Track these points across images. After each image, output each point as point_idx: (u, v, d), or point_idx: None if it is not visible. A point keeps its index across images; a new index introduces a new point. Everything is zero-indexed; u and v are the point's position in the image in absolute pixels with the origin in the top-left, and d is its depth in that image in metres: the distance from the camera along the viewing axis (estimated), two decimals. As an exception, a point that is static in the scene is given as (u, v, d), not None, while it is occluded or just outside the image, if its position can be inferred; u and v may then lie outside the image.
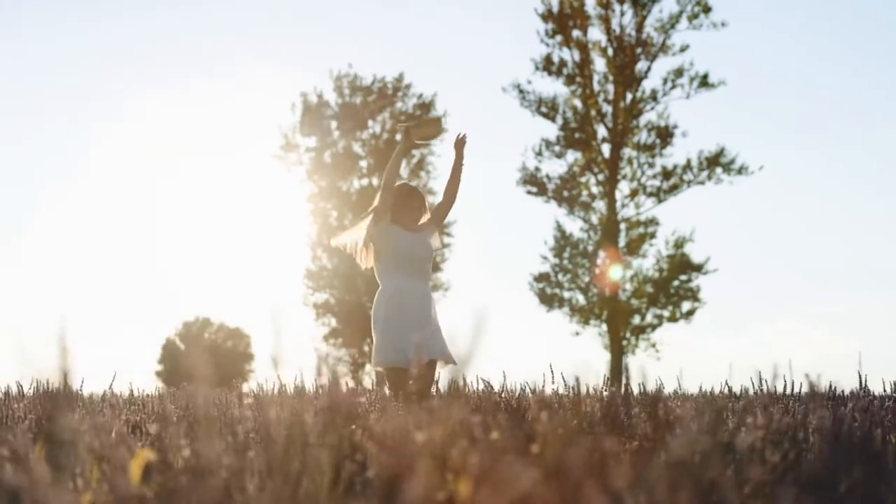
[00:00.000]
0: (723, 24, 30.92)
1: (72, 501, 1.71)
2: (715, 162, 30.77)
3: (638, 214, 31.36)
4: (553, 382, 5.36)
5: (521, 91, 31.91)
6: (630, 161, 31.33)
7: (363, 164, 35.59)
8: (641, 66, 31.08)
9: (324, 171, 35.22)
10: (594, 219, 31.49)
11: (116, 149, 50.72)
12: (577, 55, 31.40)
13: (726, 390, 6.27)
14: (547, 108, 31.76)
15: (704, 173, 30.89)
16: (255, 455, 1.83)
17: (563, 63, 31.53)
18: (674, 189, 31.11)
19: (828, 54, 44.71)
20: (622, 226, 31.23)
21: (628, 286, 31.11)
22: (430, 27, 48.62)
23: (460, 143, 6.05)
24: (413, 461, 1.54)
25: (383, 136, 35.60)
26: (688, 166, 30.97)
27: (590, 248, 31.43)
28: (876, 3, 41.49)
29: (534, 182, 31.85)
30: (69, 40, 49.03)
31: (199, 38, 50.63)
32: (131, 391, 6.81)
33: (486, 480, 1.47)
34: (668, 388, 6.45)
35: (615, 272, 30.86)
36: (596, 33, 32.80)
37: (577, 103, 31.58)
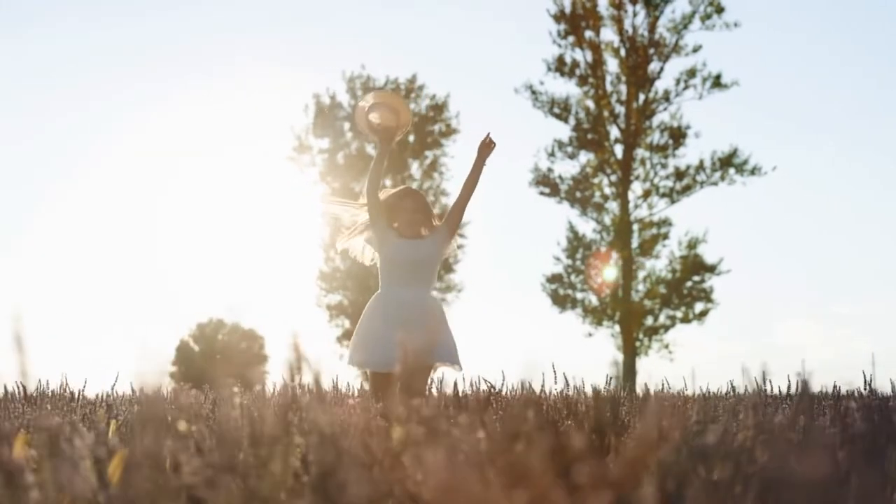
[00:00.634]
0: (736, 25, 30.86)
1: None
2: (728, 162, 30.69)
3: (651, 215, 31.31)
4: (555, 382, 5.36)
5: (533, 92, 31.91)
6: (643, 162, 31.28)
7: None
8: (654, 66, 31.04)
9: (337, 173, 35.26)
10: (607, 220, 31.45)
11: (128, 150, 50.94)
12: (589, 56, 31.37)
13: (729, 391, 6.26)
14: (559, 109, 31.73)
15: (717, 174, 30.83)
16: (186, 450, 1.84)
17: (575, 64, 31.50)
18: (687, 190, 31.04)
19: (841, 54, 44.55)
20: (635, 227, 31.17)
21: (641, 287, 31.06)
22: (442, 28, 48.67)
23: (485, 147, 5.88)
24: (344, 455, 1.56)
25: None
26: (701, 167, 30.90)
27: (602, 249, 31.38)
28: (889, 2, 41.28)
29: (546, 183, 31.83)
30: (75, 40, 49.24)
31: (209, 38, 50.81)
32: (132, 392, 6.83)
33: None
34: (668, 390, 6.43)
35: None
36: (608, 34, 32.74)
37: (590, 104, 31.57)
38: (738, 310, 40.40)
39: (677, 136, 31.06)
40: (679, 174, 31.06)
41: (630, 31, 31.09)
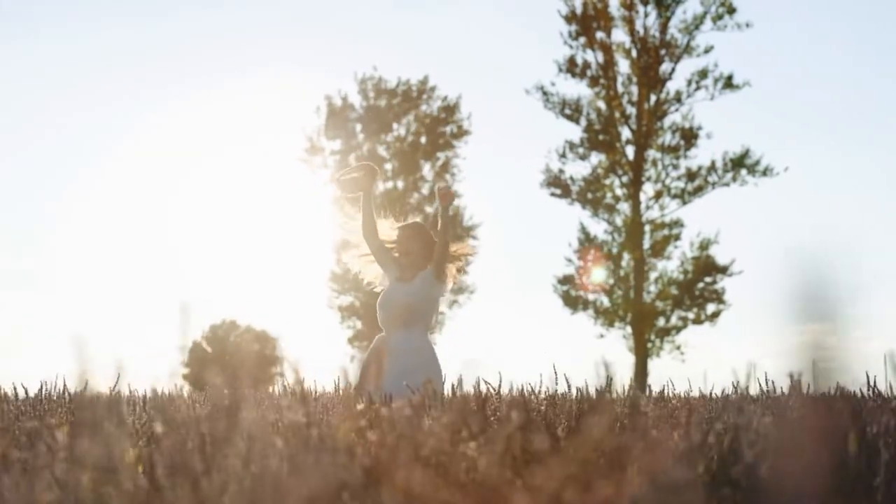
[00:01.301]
0: (747, 25, 30.78)
1: None
2: (739, 163, 30.62)
3: (662, 216, 31.26)
4: (556, 383, 5.35)
5: (544, 93, 31.90)
6: (654, 163, 31.24)
7: (388, 166, 35.64)
8: (665, 67, 30.99)
9: (348, 174, 35.27)
10: (618, 221, 31.42)
11: (139, 151, 51.07)
12: (600, 57, 31.34)
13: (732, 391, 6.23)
14: (571, 110, 31.72)
15: (729, 175, 30.76)
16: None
17: (586, 65, 31.48)
18: (698, 191, 30.99)
19: (853, 54, 44.38)
20: (646, 228, 31.13)
21: (652, 288, 31.03)
22: (453, 29, 48.69)
23: (444, 198, 5.81)
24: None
25: (408, 138, 35.66)
26: (712, 168, 30.84)
27: (614, 251, 31.34)
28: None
29: (558, 184, 31.82)
30: (86, 41, 49.44)
31: (220, 39, 50.95)
32: (129, 393, 6.84)
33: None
34: (674, 391, 6.41)
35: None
36: (620, 35, 32.72)
37: (601, 105, 31.54)
38: (752, 311, 40.23)
39: (689, 136, 31.01)
40: (691, 175, 31.01)
41: (641, 31, 31.06)
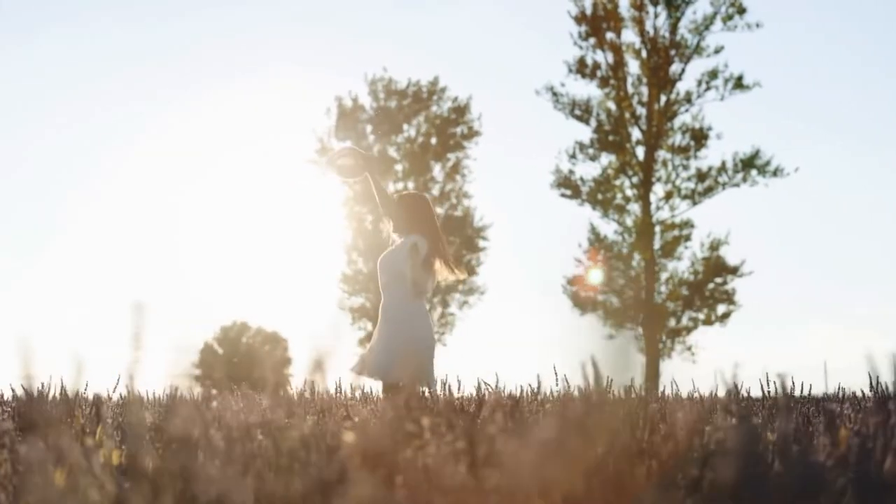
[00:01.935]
0: (757, 26, 30.73)
1: None
2: (750, 164, 30.58)
3: (673, 217, 31.23)
4: (556, 384, 5.37)
5: (554, 93, 31.90)
6: (664, 163, 31.21)
7: (398, 167, 35.67)
8: (675, 67, 30.96)
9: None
10: (629, 221, 31.40)
11: (150, 151, 51.24)
12: (610, 57, 31.33)
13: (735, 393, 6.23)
14: (580, 111, 31.72)
15: (739, 175, 30.72)
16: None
17: (596, 65, 31.47)
18: (709, 191, 30.95)
19: (863, 54, 44.24)
20: (657, 228, 31.11)
21: (663, 289, 31.00)
22: (463, 30, 48.71)
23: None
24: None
25: (418, 139, 35.67)
26: (723, 168, 30.80)
27: (624, 251, 31.33)
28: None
29: (568, 185, 31.81)
30: (96, 42, 49.60)
31: (231, 40, 51.07)
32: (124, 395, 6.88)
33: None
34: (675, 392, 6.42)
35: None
36: (629, 35, 32.75)
37: (611, 106, 31.52)
38: (763, 312, 40.18)
39: (699, 137, 30.98)
40: (701, 176, 30.97)
41: (651, 32, 31.04)
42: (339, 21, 50.35)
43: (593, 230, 31.64)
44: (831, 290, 42.69)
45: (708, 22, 30.75)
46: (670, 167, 31.18)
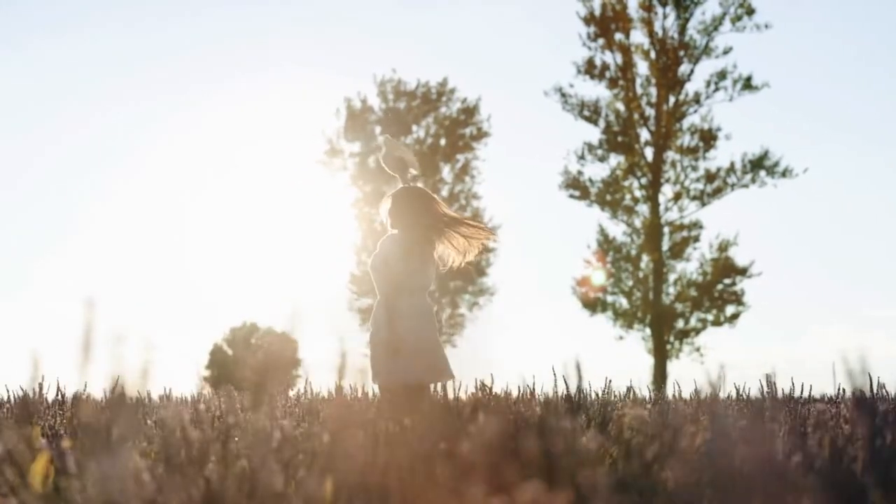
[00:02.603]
0: (766, 26, 30.70)
1: None
2: (759, 164, 30.54)
3: (681, 218, 31.22)
4: (555, 385, 5.40)
5: (563, 94, 31.92)
6: (673, 164, 31.20)
7: (407, 169, 35.67)
8: (684, 68, 30.95)
9: (368, 177, 35.38)
10: (637, 223, 31.40)
11: (159, 153, 51.36)
12: (619, 58, 31.34)
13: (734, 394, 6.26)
14: (589, 112, 31.73)
15: (748, 176, 30.69)
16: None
17: (605, 66, 31.48)
18: (717, 192, 30.93)
19: (872, 55, 44.11)
20: (665, 229, 31.10)
21: (671, 290, 30.99)
22: (472, 31, 48.70)
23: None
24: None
25: (427, 140, 35.71)
26: (731, 169, 30.77)
27: (633, 252, 31.33)
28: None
29: (576, 186, 31.82)
30: (104, 44, 49.75)
31: (240, 41, 51.15)
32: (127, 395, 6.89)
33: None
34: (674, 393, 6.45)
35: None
36: (638, 36, 32.76)
37: (620, 107, 31.52)
38: (773, 313, 40.12)
39: (708, 138, 30.96)
40: (710, 176, 30.95)
41: (660, 33, 31.03)
42: (349, 22, 50.36)
43: (602, 231, 31.65)
44: (841, 291, 42.57)
45: (717, 23, 30.74)
46: (679, 168, 31.18)
